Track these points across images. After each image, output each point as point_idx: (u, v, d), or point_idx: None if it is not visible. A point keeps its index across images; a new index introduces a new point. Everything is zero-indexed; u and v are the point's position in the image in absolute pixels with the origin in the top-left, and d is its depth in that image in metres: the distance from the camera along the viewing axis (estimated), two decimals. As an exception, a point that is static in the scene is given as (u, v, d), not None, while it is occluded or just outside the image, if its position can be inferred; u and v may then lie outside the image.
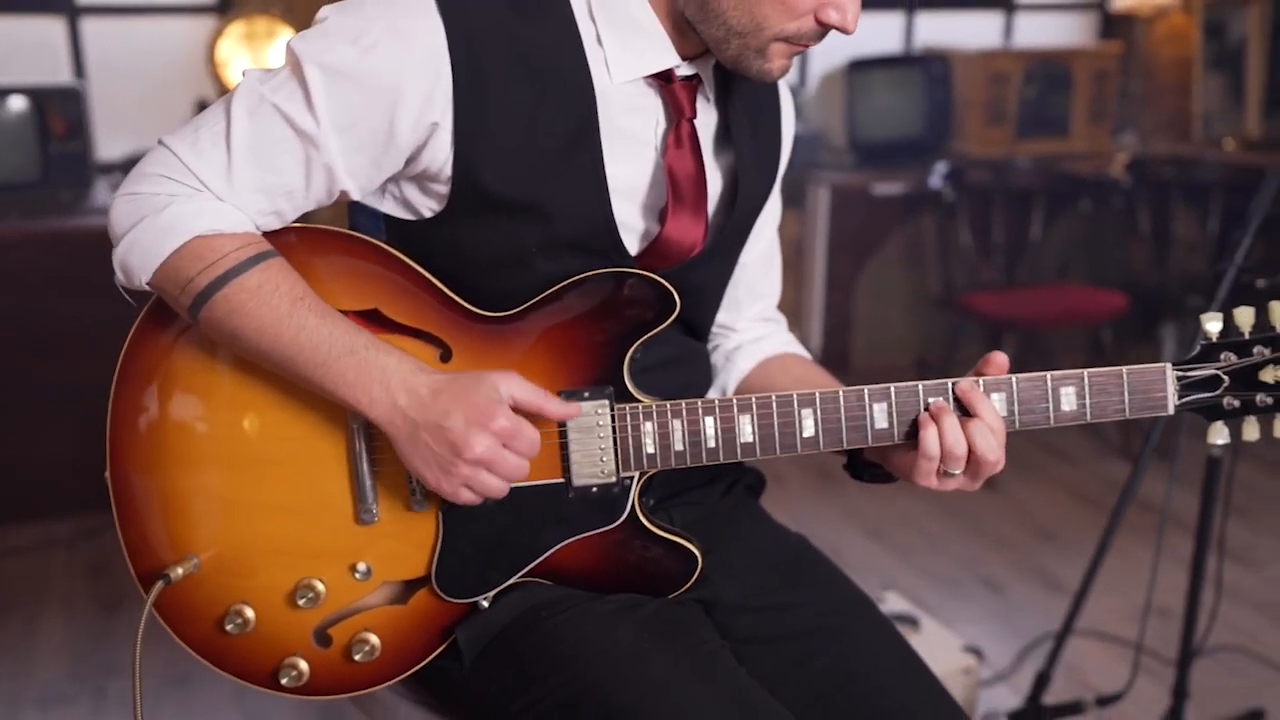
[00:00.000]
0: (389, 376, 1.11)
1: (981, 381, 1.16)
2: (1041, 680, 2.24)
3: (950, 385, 1.16)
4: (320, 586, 1.21)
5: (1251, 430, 1.21)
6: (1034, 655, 2.73)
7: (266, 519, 1.21)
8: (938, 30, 4.61)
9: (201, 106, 3.75)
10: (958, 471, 1.14)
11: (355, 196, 1.19)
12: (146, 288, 1.16)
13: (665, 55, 1.19)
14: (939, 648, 2.33)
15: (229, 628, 1.21)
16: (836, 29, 1.13)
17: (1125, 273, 4.32)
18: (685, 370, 1.32)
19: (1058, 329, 4.09)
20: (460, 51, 1.11)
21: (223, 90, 3.33)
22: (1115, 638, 2.80)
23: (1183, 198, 4.27)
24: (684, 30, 1.19)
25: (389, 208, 1.23)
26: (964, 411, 1.16)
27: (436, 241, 1.20)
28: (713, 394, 1.41)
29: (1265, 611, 2.95)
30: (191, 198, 1.13)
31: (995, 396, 1.16)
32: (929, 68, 4.29)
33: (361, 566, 1.21)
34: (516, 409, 1.12)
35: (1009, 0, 4.72)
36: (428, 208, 1.20)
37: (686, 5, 1.16)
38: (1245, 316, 1.18)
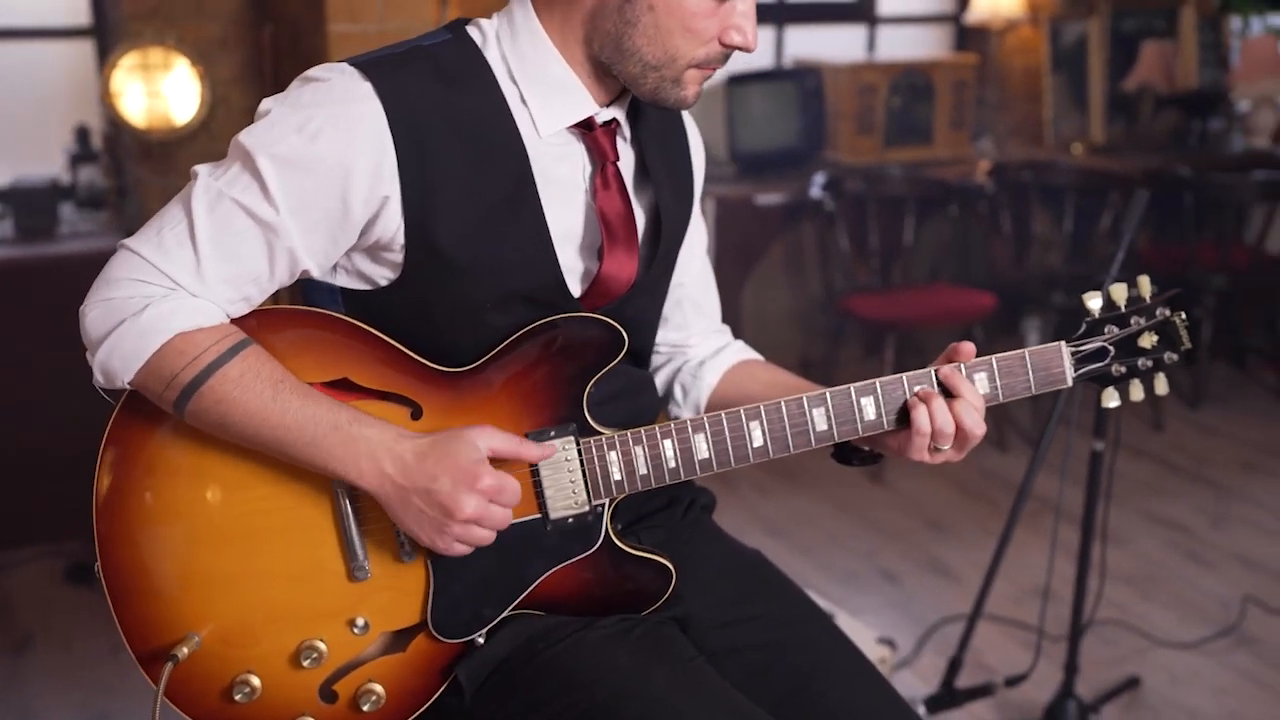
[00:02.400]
0: (374, 447, 1.19)
1: (962, 367, 1.28)
2: (954, 665, 2.42)
3: (933, 372, 1.29)
4: (322, 646, 1.26)
5: (1137, 391, 1.35)
6: (933, 641, 2.92)
7: (263, 588, 1.26)
8: (806, 44, 4.79)
9: (82, 133, 3.68)
10: (946, 446, 1.27)
11: (315, 275, 1.25)
12: (127, 387, 1.21)
13: (584, 105, 1.28)
14: (855, 640, 2.46)
15: (237, 697, 1.25)
16: (740, 49, 1.24)
17: (990, 272, 4.58)
18: (634, 399, 1.41)
19: (934, 329, 4.32)
20: (400, 127, 1.19)
21: (113, 121, 3.29)
22: (1002, 618, 3.00)
23: (1040, 200, 4.55)
24: (600, 76, 1.28)
25: (343, 281, 1.30)
26: (946, 394, 1.28)
27: (394, 307, 1.27)
28: (686, 411, 1.51)
29: (1133, 585, 3.20)
30: (166, 297, 1.18)
31: (978, 375, 1.29)
32: (802, 80, 4.46)
33: (360, 621, 1.27)
34: (494, 458, 1.21)
35: (871, 14, 4.93)
36: (382, 276, 1.27)
37: (602, 50, 1.24)
38: (1120, 291, 1.33)
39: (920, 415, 1.27)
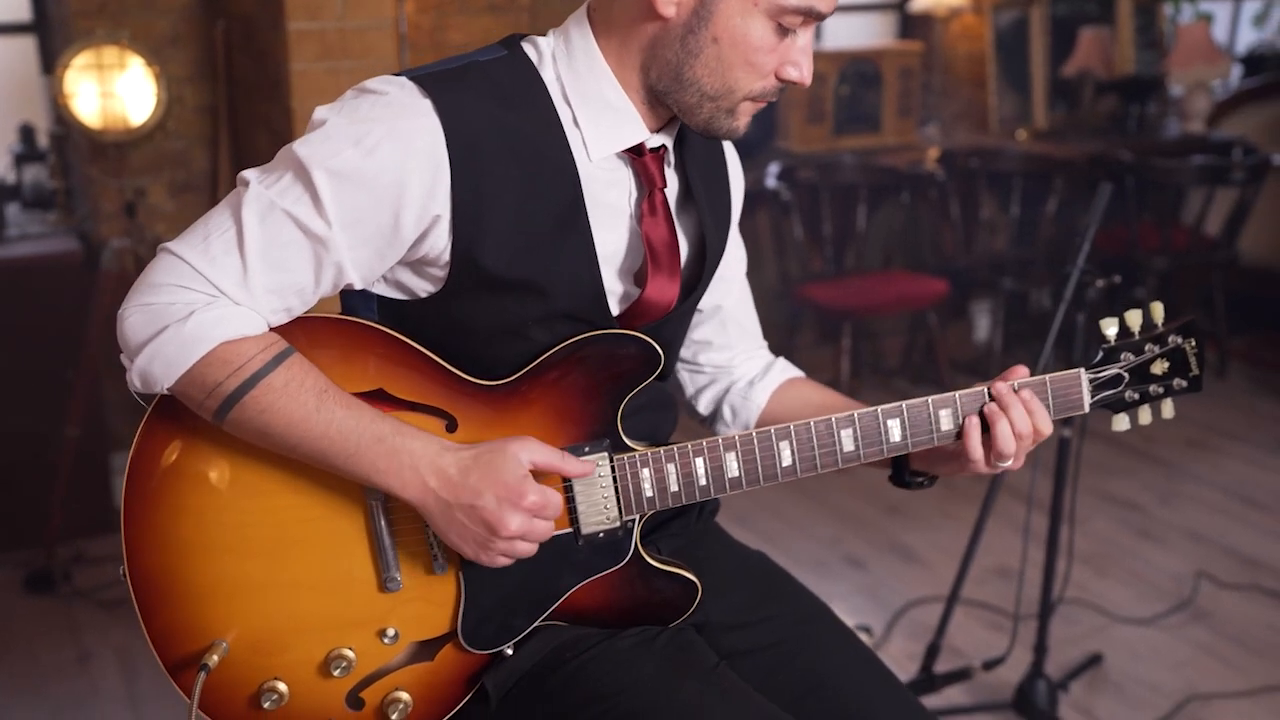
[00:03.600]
0: (417, 460, 1.20)
1: (986, 390, 1.33)
2: (932, 651, 2.47)
3: (986, 390, 1.33)
4: (351, 655, 1.27)
5: (1145, 415, 1.40)
6: (902, 624, 2.99)
7: (294, 598, 1.26)
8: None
9: (27, 132, 3.60)
10: (1007, 463, 1.32)
11: (358, 286, 1.25)
12: (165, 392, 1.20)
13: (637, 131, 1.29)
14: (831, 629, 2.53)
15: (265, 705, 1.26)
16: (795, 83, 1.26)
17: (939, 257, 4.65)
18: (656, 414, 1.43)
19: (889, 315, 4.38)
20: (457, 147, 1.19)
21: (63, 120, 3.21)
22: (967, 600, 3.06)
23: (986, 185, 4.63)
24: (653, 103, 1.28)
25: (381, 290, 1.29)
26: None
27: (431, 318, 1.28)
28: (735, 430, 1.52)
29: (1090, 563, 3.28)
30: (210, 305, 1.17)
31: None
32: (752, 70, 4.48)
33: (390, 631, 1.28)
34: (535, 471, 1.22)
35: (817, 2, 4.96)
36: (423, 289, 1.27)
37: (659, 79, 1.25)
38: (1135, 318, 1.37)
39: (994, 434, 1.31)
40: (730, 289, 1.52)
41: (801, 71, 1.25)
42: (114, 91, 2.95)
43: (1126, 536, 3.47)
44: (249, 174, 1.20)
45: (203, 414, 1.20)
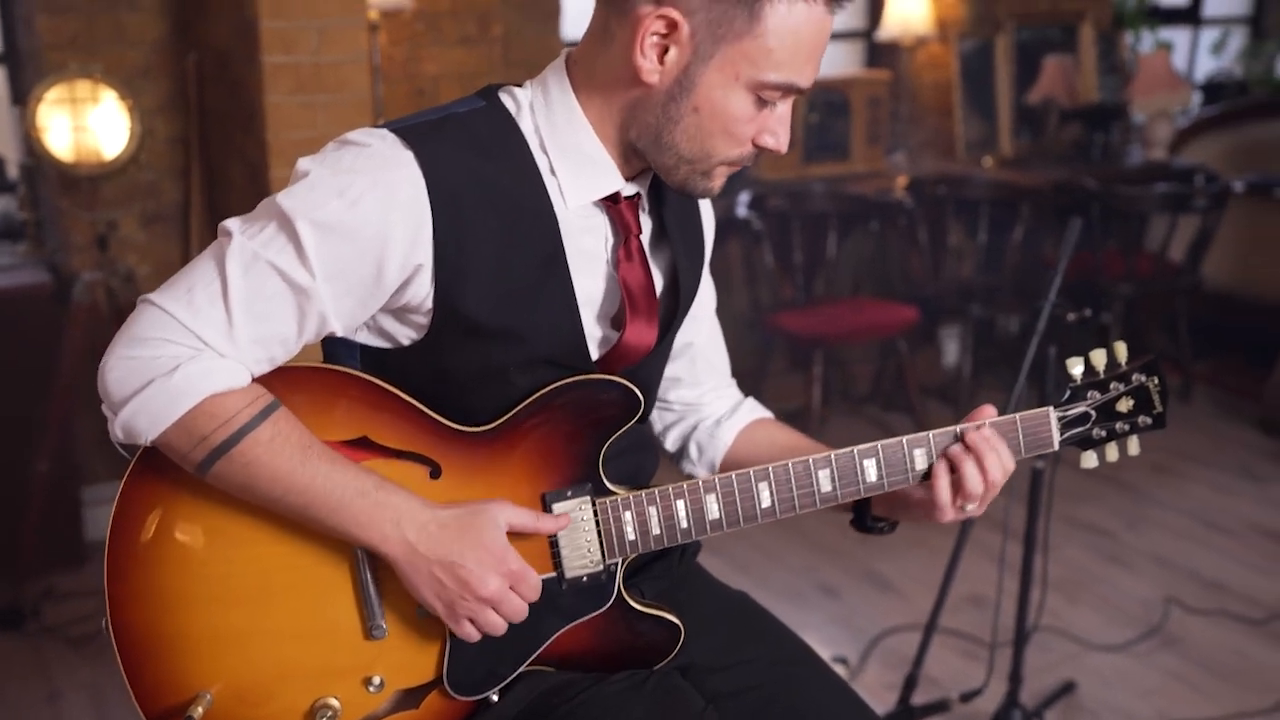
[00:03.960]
0: (399, 515, 1.21)
1: (959, 429, 1.34)
2: (909, 683, 2.49)
3: (959, 430, 1.34)
4: (336, 703, 1.27)
5: (1112, 453, 1.43)
6: (878, 653, 3.00)
7: (278, 647, 1.26)
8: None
9: (-6, 164, 3.58)
10: (973, 506, 1.33)
11: (340, 334, 1.26)
12: (149, 445, 1.20)
13: (612, 180, 1.31)
14: (808, 661, 2.54)
15: None
16: (772, 151, 1.28)
17: (908, 283, 4.70)
18: (639, 455, 1.44)
19: (860, 343, 4.42)
20: (439, 197, 1.20)
21: (33, 151, 3.20)
22: (940, 628, 3.08)
23: (954, 212, 4.69)
24: (629, 155, 1.30)
25: (364, 338, 1.30)
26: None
27: (413, 365, 1.29)
28: (700, 470, 1.55)
29: (1061, 590, 3.32)
30: (196, 358, 1.17)
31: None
32: (723, 99, 4.51)
33: (375, 679, 1.28)
34: (512, 533, 1.24)
35: (786, 31, 5.00)
36: (405, 336, 1.28)
37: (639, 138, 1.27)
38: (1099, 357, 1.40)
39: (962, 476, 1.32)
40: (700, 326, 1.53)
41: (778, 140, 1.27)
42: (87, 125, 2.94)
43: (1096, 563, 3.51)
44: (231, 224, 1.21)
45: (186, 466, 1.21)
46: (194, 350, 1.17)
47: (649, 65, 1.21)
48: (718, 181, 1.30)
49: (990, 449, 1.32)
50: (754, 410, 1.58)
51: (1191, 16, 6.53)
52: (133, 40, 3.31)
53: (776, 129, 1.26)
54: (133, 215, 3.38)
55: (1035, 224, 4.60)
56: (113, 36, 3.27)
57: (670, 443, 1.58)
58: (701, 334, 1.54)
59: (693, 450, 1.56)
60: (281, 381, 1.24)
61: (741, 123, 1.24)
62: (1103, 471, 4.18)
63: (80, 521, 3.34)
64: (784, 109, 1.26)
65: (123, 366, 1.17)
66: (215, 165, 3.38)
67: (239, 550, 1.25)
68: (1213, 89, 6.18)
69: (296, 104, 2.97)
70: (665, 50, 1.21)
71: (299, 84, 2.95)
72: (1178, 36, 6.32)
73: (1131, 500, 3.92)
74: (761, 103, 1.23)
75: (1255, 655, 3.01)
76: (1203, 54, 6.63)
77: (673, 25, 1.19)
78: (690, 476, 1.56)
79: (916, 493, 1.37)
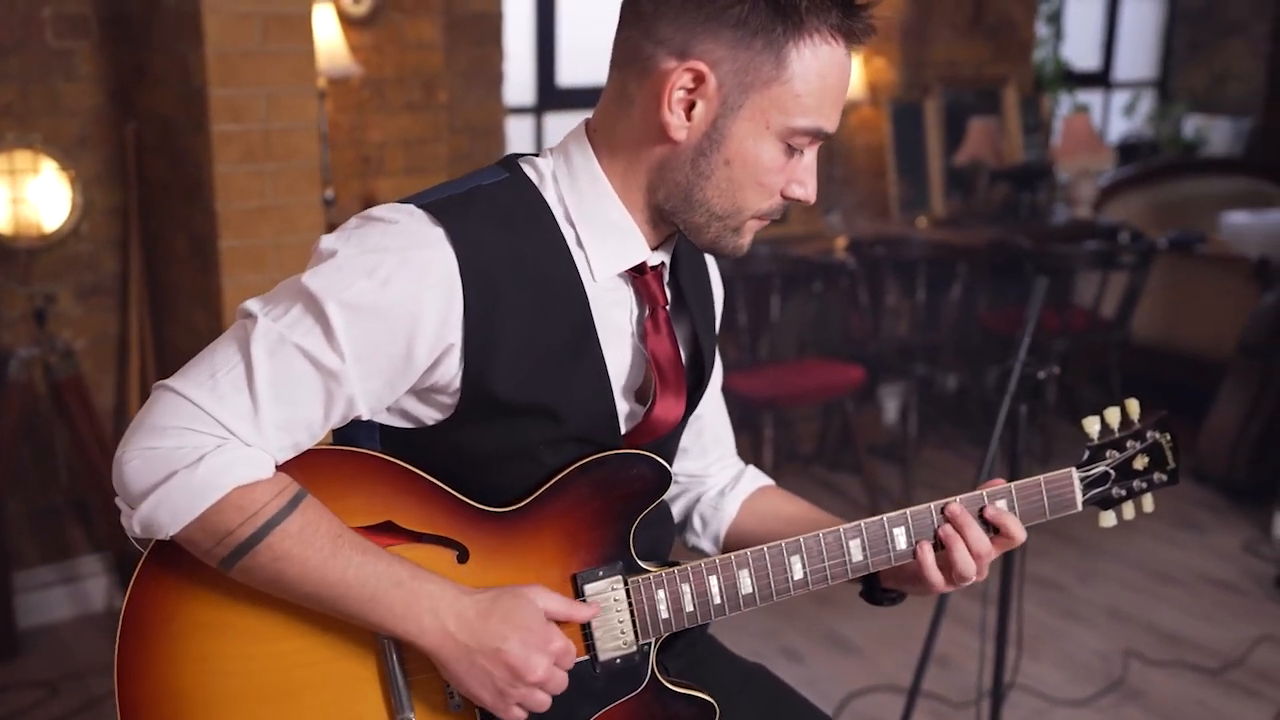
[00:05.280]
0: (436, 604, 1.16)
1: (985, 494, 1.34)
2: (893, 751, 2.46)
3: (931, 508, 1.33)
4: None
5: (1129, 511, 1.44)
6: (846, 716, 2.97)
7: None
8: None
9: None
10: (970, 580, 1.32)
11: (366, 417, 1.21)
12: (168, 539, 1.14)
13: (639, 251, 1.28)
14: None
15: None
16: (801, 201, 1.26)
17: (849, 343, 4.74)
18: (656, 529, 1.41)
19: (809, 404, 4.43)
20: (470, 275, 1.16)
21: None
22: (905, 689, 3.08)
23: (892, 272, 4.75)
24: (656, 221, 1.28)
25: (385, 418, 1.26)
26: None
27: (437, 445, 1.24)
28: (705, 542, 1.52)
29: (1023, 646, 3.33)
30: (221, 448, 1.12)
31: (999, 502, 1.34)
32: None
33: None
34: (548, 619, 1.20)
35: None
36: (429, 416, 1.24)
37: (667, 199, 1.24)
38: (1114, 415, 1.41)
39: (955, 557, 1.32)
40: (708, 399, 1.51)
41: (807, 190, 1.25)
42: (26, 197, 2.84)
43: (1053, 618, 3.53)
44: (253, 306, 1.16)
45: (209, 561, 1.14)
46: (219, 439, 1.12)
47: (677, 121, 1.19)
48: (747, 238, 1.27)
49: (972, 526, 1.32)
50: (756, 479, 1.56)
51: (1103, 80, 6.77)
52: (69, 109, 3.22)
53: (805, 178, 1.25)
54: (69, 288, 3.26)
55: (971, 282, 4.67)
56: (48, 106, 3.17)
57: (673, 514, 1.54)
58: (709, 406, 1.51)
59: (696, 523, 1.53)
60: (300, 467, 1.18)
61: (773, 173, 1.22)
62: (1050, 526, 4.23)
63: (11, 610, 3.18)
64: (810, 157, 1.24)
65: (142, 458, 1.11)
66: (156, 237, 3.28)
67: (258, 646, 1.19)
68: (1127, 149, 6.40)
69: (246, 172, 2.91)
70: (692, 105, 1.19)
71: (248, 152, 2.89)
72: (1092, 99, 6.54)
73: (1080, 554, 3.97)
74: (790, 151, 1.22)
75: (1215, 705, 3.04)
76: (1115, 116, 6.86)
77: (699, 78, 1.17)
78: (694, 549, 1.54)
79: (912, 569, 1.36)
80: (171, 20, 2.94)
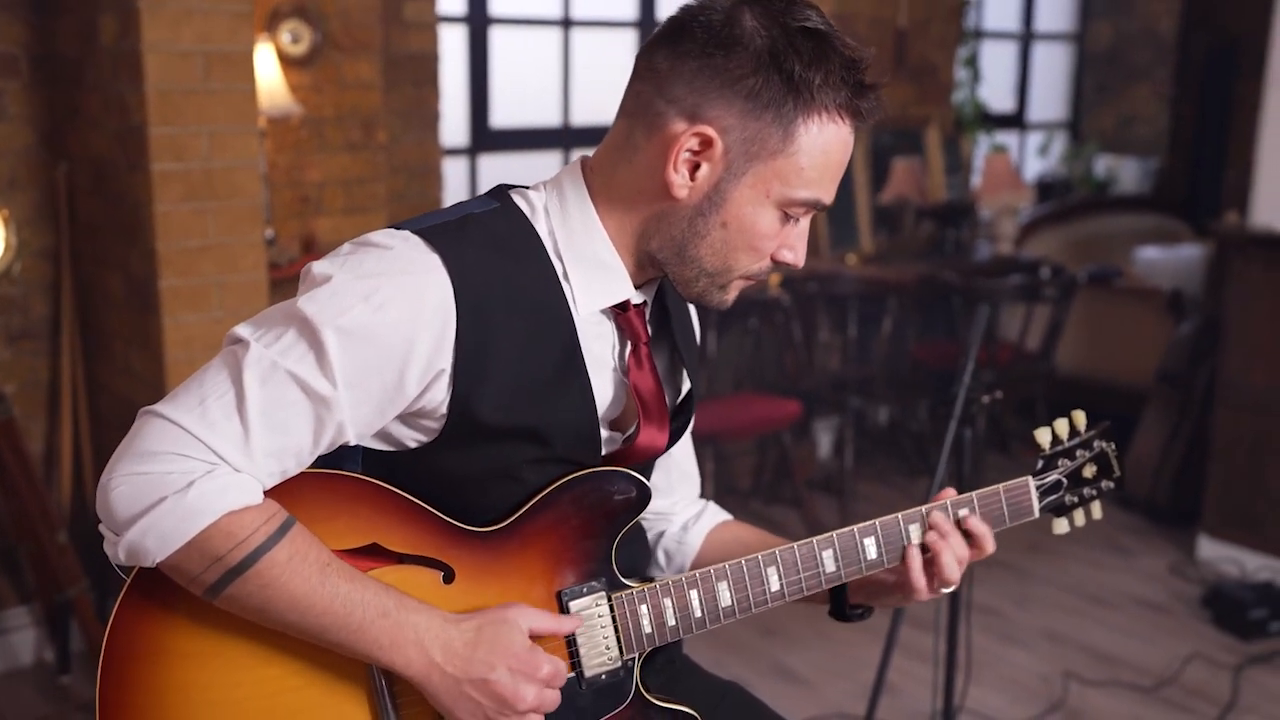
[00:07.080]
0: (422, 635, 1.16)
1: (949, 504, 1.40)
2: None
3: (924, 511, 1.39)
4: None
5: (1080, 518, 1.49)
6: (798, 747, 2.99)
7: None
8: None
9: None
10: (951, 587, 1.37)
11: (353, 444, 1.21)
12: (153, 566, 1.13)
13: (624, 289, 1.29)
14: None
15: None
16: (789, 265, 1.29)
17: (784, 378, 4.80)
18: (633, 548, 1.43)
19: (748, 438, 4.47)
20: (465, 301, 1.17)
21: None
22: (852, 717, 3.11)
23: (824, 308, 4.83)
24: (643, 264, 1.30)
25: (368, 442, 1.26)
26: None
27: (420, 468, 1.25)
28: (670, 576, 1.52)
29: (962, 671, 3.38)
30: (211, 474, 1.11)
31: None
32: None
33: None
34: (532, 636, 1.21)
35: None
36: (413, 439, 1.24)
37: (660, 249, 1.26)
38: (1062, 426, 1.48)
39: (943, 562, 1.37)
40: (678, 437, 1.53)
41: (796, 255, 1.28)
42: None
43: (992, 642, 3.59)
44: (243, 332, 1.16)
45: (194, 589, 1.13)
46: (209, 465, 1.11)
47: (680, 180, 1.22)
48: (732, 294, 1.30)
49: (954, 533, 1.38)
50: (717, 514, 1.58)
51: (1018, 121, 6.99)
52: (-1, 150, 3.17)
53: (796, 244, 1.28)
54: (-1, 332, 3.20)
55: (901, 317, 4.77)
56: (-23, 147, 3.12)
57: None
58: (679, 444, 1.53)
59: (661, 558, 1.55)
60: (285, 490, 1.18)
61: (768, 239, 1.24)
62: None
63: (-61, 663, 3.07)
64: (804, 225, 1.27)
65: (130, 483, 1.10)
66: (89, 279, 3.23)
67: (244, 674, 1.18)
68: (1043, 188, 6.61)
69: (187, 211, 2.88)
70: (697, 166, 1.21)
71: (189, 190, 2.87)
72: (1008, 139, 6.74)
73: (1015, 579, 4.04)
74: (786, 218, 1.24)
75: (1153, 722, 3.12)
76: (1030, 156, 7.08)
77: (707, 142, 1.20)
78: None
79: (889, 579, 1.41)
80: (108, 60, 2.92)
